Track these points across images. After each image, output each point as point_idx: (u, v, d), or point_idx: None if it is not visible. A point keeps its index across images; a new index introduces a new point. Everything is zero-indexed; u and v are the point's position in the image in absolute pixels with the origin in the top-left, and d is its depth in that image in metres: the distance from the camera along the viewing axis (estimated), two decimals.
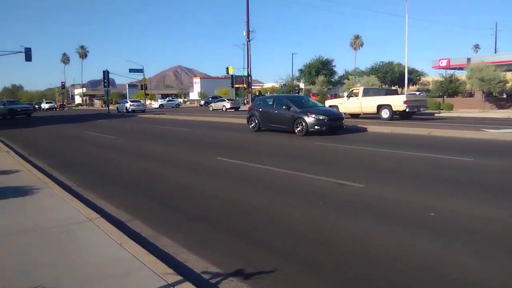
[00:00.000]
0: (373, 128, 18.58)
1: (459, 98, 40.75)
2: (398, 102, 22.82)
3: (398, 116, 23.32)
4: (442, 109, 35.08)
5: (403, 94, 28.42)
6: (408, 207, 6.10)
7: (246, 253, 4.50)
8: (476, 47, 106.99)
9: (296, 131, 16.29)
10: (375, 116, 24.26)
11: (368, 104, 24.04)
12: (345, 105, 24.99)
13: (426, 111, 28.06)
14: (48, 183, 7.77)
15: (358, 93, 24.58)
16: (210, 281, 3.87)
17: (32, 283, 3.54)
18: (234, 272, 3.98)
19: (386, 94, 25.62)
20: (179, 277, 3.63)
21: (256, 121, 18.45)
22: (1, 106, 41.71)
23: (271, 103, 18.47)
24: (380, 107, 23.49)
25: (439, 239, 4.75)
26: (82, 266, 3.95)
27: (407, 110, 22.42)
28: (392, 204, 6.29)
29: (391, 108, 22.90)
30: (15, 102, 48.39)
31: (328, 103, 26.74)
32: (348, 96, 25.60)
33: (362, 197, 6.67)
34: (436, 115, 29.52)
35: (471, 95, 44.30)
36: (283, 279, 3.84)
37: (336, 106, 24.73)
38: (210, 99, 68.19)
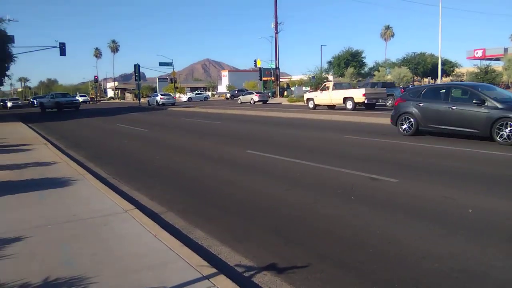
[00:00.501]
0: None
1: None
2: (358, 94, 26.53)
3: (363, 107, 27.09)
4: None
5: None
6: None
7: (279, 248, 4.50)
8: None
9: (497, 138, 11.07)
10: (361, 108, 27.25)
11: (336, 97, 27.99)
12: (319, 97, 29.41)
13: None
14: (84, 175, 8.01)
15: (329, 87, 28.89)
16: (244, 274, 3.90)
17: (74, 272, 3.67)
18: (267, 266, 4.00)
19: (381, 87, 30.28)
20: (214, 270, 3.67)
21: (412, 121, 13.33)
22: (50, 99, 42.73)
23: (443, 95, 13.17)
24: (345, 99, 27.24)
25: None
26: (120, 256, 4.06)
27: (366, 101, 26.10)
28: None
29: (354, 100, 26.46)
30: (64, 95, 46.74)
31: (306, 96, 32.48)
32: (321, 90, 29.64)
33: None
34: None
35: (508, 86, 42.78)
36: (316, 274, 3.83)
37: (312, 99, 29.99)
38: (236, 92, 68.29)
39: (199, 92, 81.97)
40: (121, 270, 3.76)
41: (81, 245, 4.39)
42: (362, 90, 27.15)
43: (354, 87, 32.81)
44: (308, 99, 31.44)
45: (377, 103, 27.61)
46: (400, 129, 13.68)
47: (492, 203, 5.84)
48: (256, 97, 47.27)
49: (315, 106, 30.24)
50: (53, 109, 40.99)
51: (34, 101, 67.67)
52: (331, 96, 28.50)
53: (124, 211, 5.53)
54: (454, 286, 3.55)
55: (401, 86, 35.09)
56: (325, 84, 30.34)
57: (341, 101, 27.65)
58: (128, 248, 4.27)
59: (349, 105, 27.01)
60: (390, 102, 30.62)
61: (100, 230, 4.85)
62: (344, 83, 33.23)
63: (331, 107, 29.23)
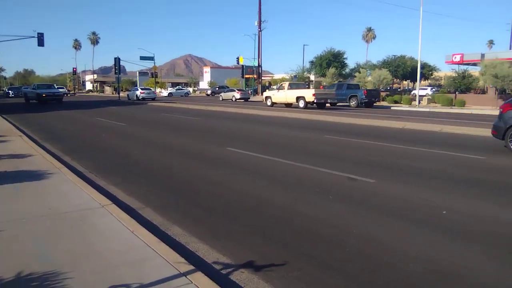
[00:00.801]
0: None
1: (471, 94, 40.37)
2: (309, 94, 29.52)
3: (315, 105, 30.22)
4: (454, 105, 34.76)
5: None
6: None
7: (257, 246, 4.52)
8: (491, 42, 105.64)
9: None
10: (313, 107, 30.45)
11: (290, 96, 31.01)
12: (276, 96, 32.54)
13: (379, 104, 36.42)
14: (60, 168, 7.85)
15: (285, 87, 32.04)
16: (221, 271, 3.90)
17: (49, 267, 3.60)
18: (245, 264, 4.01)
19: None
20: (191, 267, 3.66)
21: None
22: (31, 90, 40.87)
23: None
24: (298, 98, 30.24)
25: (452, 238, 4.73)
26: (97, 252, 4.00)
27: (315, 101, 29.07)
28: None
29: (305, 99, 29.47)
30: (49, 86, 43.07)
31: (264, 94, 35.62)
32: (278, 89, 33.07)
33: None
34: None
35: (484, 92, 43.81)
36: (293, 272, 3.86)
37: (270, 97, 33.20)
38: (217, 88, 68.02)
39: (180, 87, 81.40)
40: (98, 265, 3.71)
41: (56, 240, 4.31)
42: (312, 91, 30.08)
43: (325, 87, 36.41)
44: (266, 97, 34.32)
45: (325, 102, 30.52)
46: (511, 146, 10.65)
47: None
48: (237, 95, 47.27)
49: (273, 104, 33.04)
50: (34, 101, 38.88)
51: (10, 91, 66.14)
52: (286, 95, 31.49)
53: (101, 206, 5.45)
54: (427, 286, 3.63)
55: (363, 88, 37.12)
56: (281, 84, 33.70)
57: (295, 100, 30.59)
58: (105, 244, 4.21)
59: (301, 103, 29.86)
60: (353, 103, 33.06)
61: (76, 225, 4.77)
62: (300, 83, 37.04)
63: (288, 105, 31.79)
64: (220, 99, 49.00)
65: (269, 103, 33.24)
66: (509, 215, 5.59)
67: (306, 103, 29.46)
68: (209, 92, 72.77)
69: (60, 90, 50.00)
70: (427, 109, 31.60)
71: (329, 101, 30.61)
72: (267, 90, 42.39)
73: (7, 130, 14.61)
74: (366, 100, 33.14)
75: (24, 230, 4.58)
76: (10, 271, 3.50)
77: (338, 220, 5.37)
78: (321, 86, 44.22)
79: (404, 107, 34.85)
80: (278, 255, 4.23)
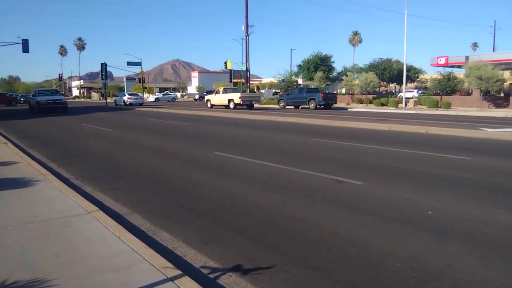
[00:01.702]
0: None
1: (457, 96, 40.92)
2: (236, 97, 35.64)
3: (245, 107, 36.33)
4: (440, 107, 35.20)
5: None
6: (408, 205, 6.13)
7: (245, 249, 4.52)
8: (475, 45, 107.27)
9: None
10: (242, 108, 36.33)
11: (224, 99, 37.04)
12: (214, 99, 38.85)
13: (337, 106, 40.83)
14: (46, 175, 7.77)
15: (220, 91, 38.44)
16: (209, 276, 3.90)
17: (34, 275, 3.56)
18: (232, 268, 4.01)
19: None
20: (178, 271, 3.65)
21: None
22: (31, 97, 35.57)
23: None
24: (229, 101, 36.20)
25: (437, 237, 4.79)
26: (83, 258, 3.97)
27: (241, 103, 35.28)
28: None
29: (234, 101, 35.47)
30: (54, 93, 35.57)
31: (205, 97, 42.79)
32: (215, 93, 39.44)
33: None
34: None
35: (469, 93, 44.44)
36: (281, 275, 3.87)
37: (209, 100, 39.61)
38: (205, 93, 67.93)
39: (167, 92, 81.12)
40: (84, 272, 3.68)
41: (42, 247, 4.26)
42: (239, 94, 36.54)
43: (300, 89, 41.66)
44: (207, 100, 40.94)
45: (250, 104, 36.87)
46: None
47: None
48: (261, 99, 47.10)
49: (212, 105, 38.93)
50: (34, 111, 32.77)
51: None
52: (221, 98, 37.62)
53: (87, 213, 5.40)
54: (413, 286, 3.67)
55: (324, 91, 41.44)
56: (218, 89, 39.99)
57: (227, 102, 36.46)
58: (91, 250, 4.18)
59: (232, 105, 35.88)
60: (312, 105, 36.00)
61: (62, 231, 4.72)
62: (233, 88, 42.90)
63: (227, 106, 36.74)
64: (209, 104, 48.92)
65: (209, 105, 39.45)
66: (494, 214, 5.68)
67: (235, 104, 35.58)
68: (196, 97, 72.45)
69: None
70: (413, 111, 31.95)
71: (254, 102, 37.52)
72: (260, 93, 49.87)
73: None
74: (324, 103, 35.88)
75: (9, 238, 4.52)
76: None
77: (324, 222, 5.40)
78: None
79: (391, 110, 35.27)
80: (266, 258, 4.24)
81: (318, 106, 35.84)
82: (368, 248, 4.47)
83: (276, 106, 41.46)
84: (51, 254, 4.06)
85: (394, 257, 4.22)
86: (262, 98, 48.09)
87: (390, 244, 4.58)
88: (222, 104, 37.48)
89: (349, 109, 37.27)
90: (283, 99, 40.50)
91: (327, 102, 36.30)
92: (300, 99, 37.58)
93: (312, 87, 45.11)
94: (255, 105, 38.56)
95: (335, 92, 45.11)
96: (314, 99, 35.94)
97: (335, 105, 39.51)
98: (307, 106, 36.54)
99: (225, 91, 38.66)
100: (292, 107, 38.77)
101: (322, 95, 36.19)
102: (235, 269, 3.98)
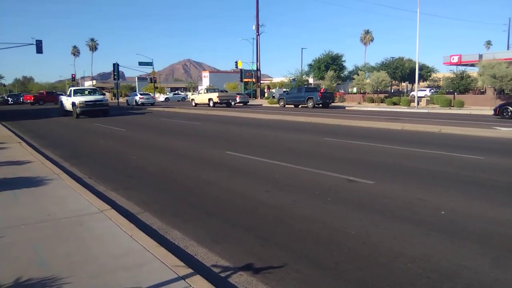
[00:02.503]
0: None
1: (470, 95, 40.37)
2: (215, 96, 40.00)
3: (224, 105, 40.52)
4: (453, 106, 34.81)
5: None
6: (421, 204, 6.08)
7: (256, 248, 4.52)
8: (488, 43, 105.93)
9: None
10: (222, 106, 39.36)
11: (205, 98, 41.63)
12: (198, 98, 43.80)
13: (337, 104, 43.25)
14: (59, 174, 7.86)
15: (202, 91, 43.86)
16: (220, 274, 3.90)
17: (46, 273, 3.60)
18: (243, 267, 4.01)
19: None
20: (190, 270, 3.66)
21: None
22: (66, 98, 28.50)
23: None
24: (209, 100, 40.40)
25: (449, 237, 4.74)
26: (95, 257, 4.00)
27: (219, 101, 39.70)
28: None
29: (213, 100, 39.76)
30: (90, 91, 29.19)
31: (191, 97, 46.50)
32: (198, 93, 45.36)
33: None
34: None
35: (482, 92, 43.85)
36: (292, 274, 3.86)
37: (194, 99, 44.43)
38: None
39: (178, 92, 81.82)
40: (96, 270, 3.71)
41: (55, 245, 4.31)
42: (217, 94, 40.40)
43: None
44: (192, 99, 46.14)
45: (227, 103, 40.92)
46: None
47: None
48: (237, 98, 47.34)
49: (196, 104, 43.39)
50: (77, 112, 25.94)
51: (9, 98, 67.19)
52: (202, 97, 42.31)
53: (100, 211, 5.45)
54: (426, 286, 3.63)
55: (324, 89, 43.74)
56: (201, 89, 45.88)
57: (207, 101, 40.62)
58: (103, 249, 4.22)
59: (211, 103, 40.01)
60: (310, 104, 36.90)
61: (75, 230, 4.77)
62: (214, 89, 45.31)
63: (208, 104, 40.36)
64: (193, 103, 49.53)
65: (193, 103, 44.24)
66: (508, 214, 5.59)
67: (214, 103, 39.75)
68: None
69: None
70: (426, 110, 31.63)
71: (230, 101, 41.31)
72: (270, 92, 54.89)
73: (6, 137, 14.62)
74: (321, 102, 36.94)
75: (23, 236, 4.58)
76: (9, 277, 3.51)
77: (335, 221, 5.38)
78: (322, 89, 44.89)
79: (403, 108, 34.97)
80: (277, 258, 4.23)
81: (316, 105, 36.99)
82: (380, 248, 4.44)
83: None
84: (63, 252, 4.11)
85: (406, 257, 4.19)
86: (249, 98, 52.25)
87: (402, 244, 4.54)
88: (204, 102, 41.59)
89: (346, 108, 38.55)
90: (283, 98, 41.62)
91: (324, 101, 37.38)
92: (299, 98, 38.82)
93: (311, 86, 47.60)
94: (254, 103, 41.68)
95: (332, 91, 46.76)
96: (312, 98, 37.16)
97: (333, 104, 41.13)
98: (306, 105, 37.81)
99: (207, 91, 43.46)
100: (292, 106, 40.14)
101: (320, 94, 37.57)
102: (246, 268, 3.98)
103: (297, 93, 39.77)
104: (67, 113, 28.12)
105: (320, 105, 37.27)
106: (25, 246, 4.30)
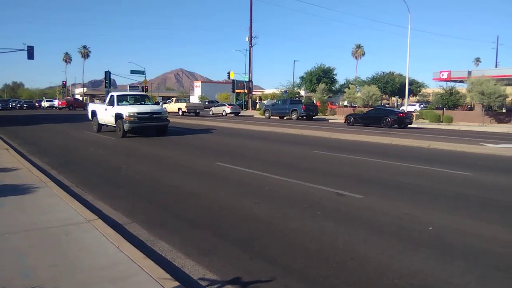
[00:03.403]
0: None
1: (459, 111, 40.89)
2: (183, 106, 43.59)
3: (193, 114, 43.48)
4: (442, 121, 35.21)
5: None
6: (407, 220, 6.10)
7: (244, 262, 4.50)
8: (477, 60, 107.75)
9: None
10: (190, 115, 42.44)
11: (175, 107, 43.96)
12: (168, 107, 42.15)
13: (318, 117, 42.79)
14: (46, 182, 7.77)
15: (173, 101, 47.63)
16: None
17: (31, 283, 3.54)
18: (231, 280, 3.98)
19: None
20: (176, 283, 3.63)
21: None
22: (106, 107, 19.58)
23: None
24: (178, 109, 43.27)
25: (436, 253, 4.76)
26: (81, 268, 3.95)
27: (187, 110, 42.92)
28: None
29: (182, 109, 42.93)
30: (138, 99, 20.79)
31: (164, 106, 43.43)
32: (169, 103, 47.31)
33: None
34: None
35: (471, 108, 44.43)
36: None
37: (166, 108, 41.60)
38: (207, 103, 68.10)
39: (170, 101, 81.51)
40: (81, 282, 3.66)
41: (40, 255, 4.25)
42: (185, 104, 44.76)
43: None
44: (164, 108, 46.52)
45: (194, 112, 44.18)
46: None
47: None
48: (228, 109, 47.50)
49: (168, 113, 43.10)
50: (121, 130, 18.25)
51: None
52: (173, 106, 44.28)
53: (87, 221, 5.39)
54: None
55: (304, 102, 44.07)
56: (172, 99, 49.67)
57: (177, 110, 43.11)
58: (89, 260, 4.16)
59: (180, 112, 42.78)
60: (294, 116, 38.07)
61: (61, 240, 4.71)
62: (184, 98, 51.17)
63: (177, 113, 42.55)
64: (211, 113, 49.25)
65: None
66: (495, 231, 5.65)
67: (183, 111, 42.69)
68: None
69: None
70: (415, 125, 31.95)
71: (198, 110, 44.63)
72: (262, 104, 55.26)
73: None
74: (305, 114, 38.00)
75: (7, 245, 4.51)
76: None
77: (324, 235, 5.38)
78: (317, 102, 45.55)
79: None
80: (265, 271, 4.21)
81: (300, 117, 37.91)
82: (367, 263, 4.45)
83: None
84: (49, 262, 4.05)
85: (393, 272, 4.20)
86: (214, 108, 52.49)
87: (389, 260, 4.55)
88: (173, 111, 42.90)
89: (329, 120, 39.67)
90: (268, 109, 42.27)
91: (308, 113, 38.42)
92: (284, 110, 39.81)
93: (295, 98, 48.51)
94: (246, 114, 42.23)
95: (317, 103, 47.78)
96: (296, 110, 38.31)
97: (323, 116, 43.01)
98: (290, 117, 38.87)
99: (177, 101, 47.66)
100: (277, 117, 40.98)
101: (304, 106, 38.70)
102: (234, 282, 3.95)
103: (282, 105, 40.82)
104: (100, 127, 20.75)
105: (304, 117, 38.24)
106: (10, 255, 4.23)
